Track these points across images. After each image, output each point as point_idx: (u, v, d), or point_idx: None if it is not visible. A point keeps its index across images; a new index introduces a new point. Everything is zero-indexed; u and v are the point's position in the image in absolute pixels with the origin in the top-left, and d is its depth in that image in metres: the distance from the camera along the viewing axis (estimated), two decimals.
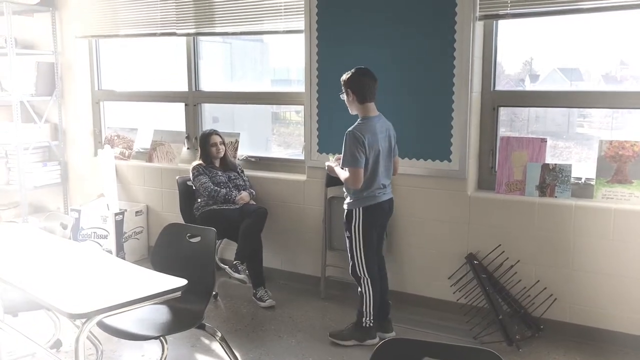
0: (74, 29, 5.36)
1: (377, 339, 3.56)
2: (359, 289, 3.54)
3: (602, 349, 3.48)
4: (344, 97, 3.50)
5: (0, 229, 3.92)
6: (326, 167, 3.69)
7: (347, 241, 3.52)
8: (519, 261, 3.70)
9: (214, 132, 4.44)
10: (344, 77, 3.46)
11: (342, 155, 3.42)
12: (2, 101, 5.46)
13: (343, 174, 3.45)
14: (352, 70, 3.46)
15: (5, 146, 5.40)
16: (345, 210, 3.51)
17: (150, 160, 5.21)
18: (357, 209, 3.45)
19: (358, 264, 3.49)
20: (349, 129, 3.39)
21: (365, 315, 3.53)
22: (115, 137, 5.43)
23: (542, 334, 3.61)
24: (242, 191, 4.34)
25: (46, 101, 5.44)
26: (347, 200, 3.51)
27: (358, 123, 3.43)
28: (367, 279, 3.50)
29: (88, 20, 5.30)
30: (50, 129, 5.56)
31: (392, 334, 3.64)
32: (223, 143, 4.45)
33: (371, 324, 3.54)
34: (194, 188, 4.38)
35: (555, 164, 3.69)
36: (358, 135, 3.33)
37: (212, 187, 4.25)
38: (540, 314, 3.63)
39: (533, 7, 3.55)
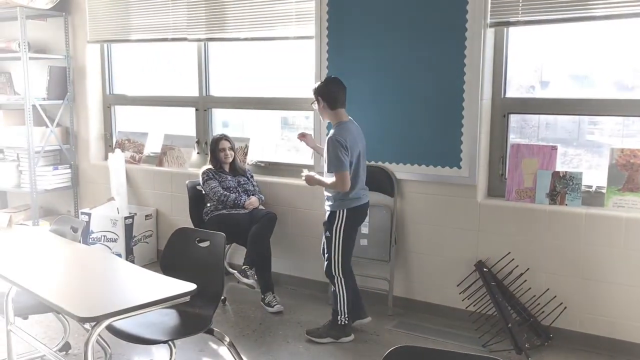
0: (86, 33, 5.41)
1: (352, 337, 3.68)
2: (333, 288, 3.67)
3: (612, 359, 3.45)
4: (315, 106, 3.67)
5: (11, 232, 3.95)
6: (303, 179, 3.77)
7: (326, 241, 3.66)
8: (528, 269, 3.67)
9: (224, 138, 4.45)
10: (314, 86, 3.65)
11: (326, 161, 3.53)
12: (15, 105, 5.51)
13: (327, 179, 3.57)
14: (324, 79, 3.67)
15: (17, 149, 5.45)
16: (329, 212, 3.63)
17: (160, 164, 5.23)
18: (341, 211, 3.57)
19: (335, 263, 3.61)
20: (329, 135, 3.53)
21: (340, 313, 3.64)
22: (126, 141, 5.46)
23: (552, 343, 3.58)
24: (251, 196, 4.35)
25: (58, 105, 5.49)
26: (330, 202, 3.62)
27: (336, 128, 3.58)
28: (341, 279, 3.62)
29: (100, 25, 5.34)
30: (61, 132, 5.60)
31: (368, 319, 3.79)
32: (232, 148, 4.46)
33: (346, 322, 3.65)
34: (203, 192, 4.39)
35: (566, 172, 3.67)
36: (340, 140, 3.48)
37: (221, 191, 4.26)
38: (549, 323, 3.61)
39: (544, 15, 3.54)
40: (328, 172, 3.55)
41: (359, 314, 3.78)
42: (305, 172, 3.80)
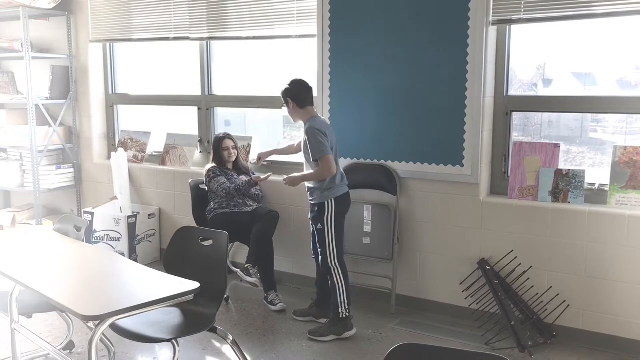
0: (88, 33, 5.41)
1: (354, 330, 3.67)
2: (330, 281, 3.66)
3: (615, 357, 3.45)
4: (285, 108, 3.77)
5: (15, 231, 3.96)
6: (285, 182, 3.79)
7: (318, 233, 3.68)
8: (531, 267, 3.67)
9: (227, 137, 4.45)
10: (282, 90, 3.74)
11: (310, 151, 3.58)
12: (18, 104, 5.53)
13: (312, 171, 3.64)
14: (289, 82, 3.75)
15: (20, 149, 5.46)
16: (316, 203, 3.67)
17: (163, 163, 5.24)
18: (330, 201, 3.62)
19: (330, 254, 3.63)
20: (307, 126, 3.63)
21: (340, 305, 3.63)
22: (129, 140, 5.47)
23: (555, 341, 3.59)
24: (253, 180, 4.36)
25: (61, 104, 5.50)
26: (316, 194, 3.66)
27: (310, 122, 3.67)
28: (338, 269, 3.63)
29: (103, 25, 5.35)
30: (64, 132, 5.61)
31: (353, 331, 3.71)
32: (235, 147, 4.47)
33: (347, 314, 3.63)
34: (207, 191, 4.39)
35: (569, 170, 3.67)
36: (319, 128, 3.60)
37: (231, 185, 4.25)
38: (552, 321, 3.61)
39: (546, 12, 3.54)
40: (313, 160, 3.59)
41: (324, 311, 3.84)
42: (284, 176, 3.83)
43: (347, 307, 3.63)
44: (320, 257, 3.71)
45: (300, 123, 3.82)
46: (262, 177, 4.27)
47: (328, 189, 3.63)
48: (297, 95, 3.71)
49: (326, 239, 3.63)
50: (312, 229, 3.81)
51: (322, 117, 3.83)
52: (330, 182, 3.62)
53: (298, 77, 3.79)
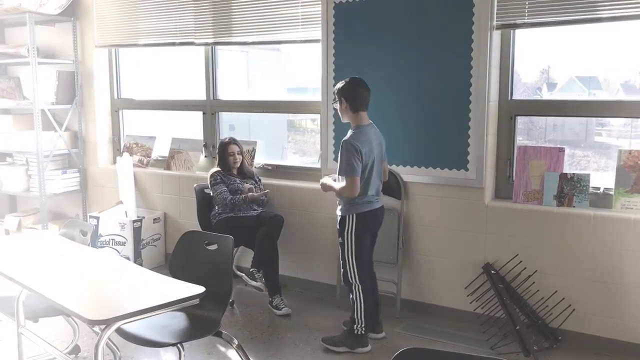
0: (94, 38, 5.44)
1: (368, 347, 3.58)
2: (351, 296, 3.57)
3: None
4: (336, 105, 3.59)
5: (21, 236, 3.98)
6: (321, 186, 3.70)
7: (340, 248, 3.57)
8: (536, 271, 3.67)
9: (233, 142, 4.47)
10: (338, 85, 3.56)
11: (338, 165, 3.47)
12: (24, 109, 5.55)
13: (337, 185, 3.51)
14: (347, 79, 3.56)
15: (26, 154, 5.49)
16: (339, 217, 3.57)
17: (168, 168, 5.26)
18: (351, 216, 3.50)
19: (350, 270, 3.53)
20: (345, 138, 3.47)
21: (357, 322, 3.54)
22: (134, 145, 5.49)
23: (560, 345, 3.57)
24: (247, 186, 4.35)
25: (66, 109, 5.52)
26: (341, 207, 3.56)
27: (353, 132, 3.51)
28: (358, 286, 3.54)
29: (108, 30, 5.37)
30: (70, 136, 5.63)
31: (382, 334, 3.72)
32: (241, 152, 4.48)
33: (363, 332, 3.56)
34: (211, 195, 4.41)
35: (574, 174, 3.66)
36: (355, 145, 3.40)
37: (228, 197, 4.26)
38: (558, 325, 3.60)
39: (551, 17, 3.54)
40: (339, 174, 3.49)
41: (373, 327, 3.69)
42: (323, 180, 3.70)
43: (363, 325, 3.53)
44: (342, 271, 3.60)
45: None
46: (256, 195, 4.28)
47: (351, 204, 3.49)
48: (354, 97, 3.49)
49: (346, 254, 3.52)
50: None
51: (371, 127, 3.55)
52: (354, 198, 3.46)
53: (356, 76, 3.58)
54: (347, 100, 3.51)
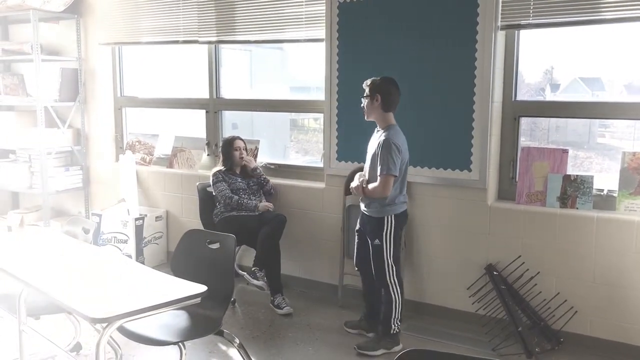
0: (97, 36, 5.45)
1: (401, 345, 3.57)
2: (386, 296, 3.53)
3: None
4: (365, 101, 3.49)
5: (23, 233, 3.98)
6: (354, 190, 3.60)
7: (375, 249, 3.50)
8: (539, 273, 3.66)
9: (237, 137, 4.48)
10: (375, 80, 3.47)
11: (379, 163, 3.39)
12: (27, 106, 5.56)
13: (375, 184, 3.43)
14: (381, 77, 3.49)
15: (28, 151, 5.49)
16: (375, 218, 3.49)
17: (170, 166, 5.26)
18: (389, 217, 3.46)
19: (389, 270, 3.50)
20: (386, 136, 3.40)
21: (393, 321, 3.53)
22: (137, 143, 5.49)
23: (562, 347, 3.57)
24: (262, 202, 4.37)
25: (69, 107, 5.53)
26: (375, 207, 3.49)
27: (391, 131, 3.45)
28: (396, 285, 3.52)
29: (112, 28, 5.37)
30: (73, 134, 5.64)
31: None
32: (245, 149, 4.49)
33: (398, 329, 3.56)
34: (214, 194, 4.41)
35: (577, 175, 3.65)
36: (398, 145, 3.39)
37: (228, 194, 4.26)
38: (560, 327, 3.59)
39: (555, 17, 3.53)
40: (380, 172, 3.38)
41: (373, 325, 3.71)
42: (352, 184, 3.61)
43: (399, 323, 3.55)
44: (375, 273, 3.56)
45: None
46: (267, 204, 4.31)
47: (389, 205, 3.45)
48: (389, 95, 3.44)
49: (384, 255, 3.47)
50: (356, 240, 3.71)
51: (399, 128, 3.51)
52: (392, 198, 3.44)
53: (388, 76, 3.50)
54: (382, 97, 3.44)
